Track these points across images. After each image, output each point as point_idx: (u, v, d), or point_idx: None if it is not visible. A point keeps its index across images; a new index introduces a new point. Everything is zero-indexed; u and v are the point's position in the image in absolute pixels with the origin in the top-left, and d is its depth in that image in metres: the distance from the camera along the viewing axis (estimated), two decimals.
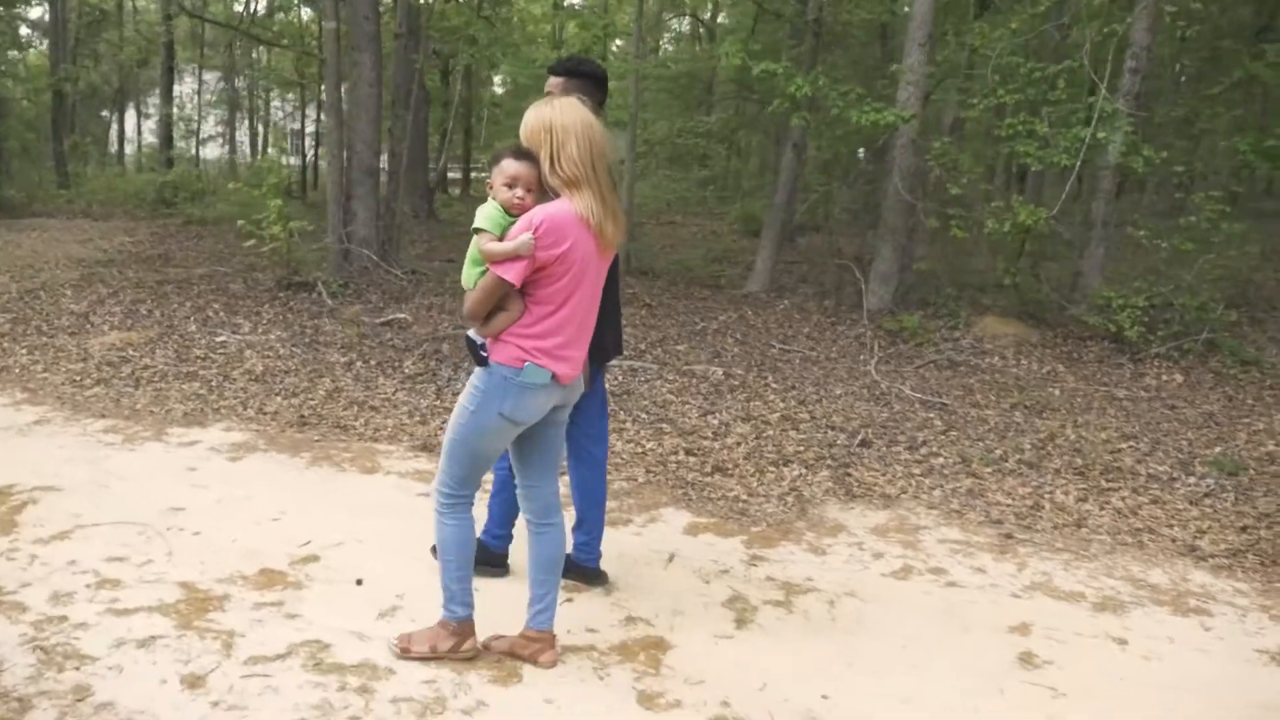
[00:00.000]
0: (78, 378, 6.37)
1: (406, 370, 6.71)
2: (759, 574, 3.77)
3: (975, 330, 7.68)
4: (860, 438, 5.45)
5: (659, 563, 3.85)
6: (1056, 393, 6.45)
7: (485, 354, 2.70)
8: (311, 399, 6.06)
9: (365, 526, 4.02)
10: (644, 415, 5.82)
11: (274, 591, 3.42)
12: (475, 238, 2.65)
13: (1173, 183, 8.03)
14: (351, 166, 9.16)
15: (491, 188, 2.70)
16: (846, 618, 3.43)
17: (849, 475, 4.96)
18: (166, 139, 18.54)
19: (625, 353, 7.12)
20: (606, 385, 6.44)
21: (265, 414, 5.77)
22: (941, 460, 5.22)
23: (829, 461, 5.13)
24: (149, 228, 14.63)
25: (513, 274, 2.59)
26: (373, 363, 6.85)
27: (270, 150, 24.67)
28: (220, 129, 21.69)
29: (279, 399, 6.06)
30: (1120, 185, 7.37)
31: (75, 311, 8.10)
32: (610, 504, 4.47)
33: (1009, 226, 6.92)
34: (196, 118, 21.10)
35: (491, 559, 3.60)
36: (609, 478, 4.25)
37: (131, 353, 6.97)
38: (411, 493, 4.53)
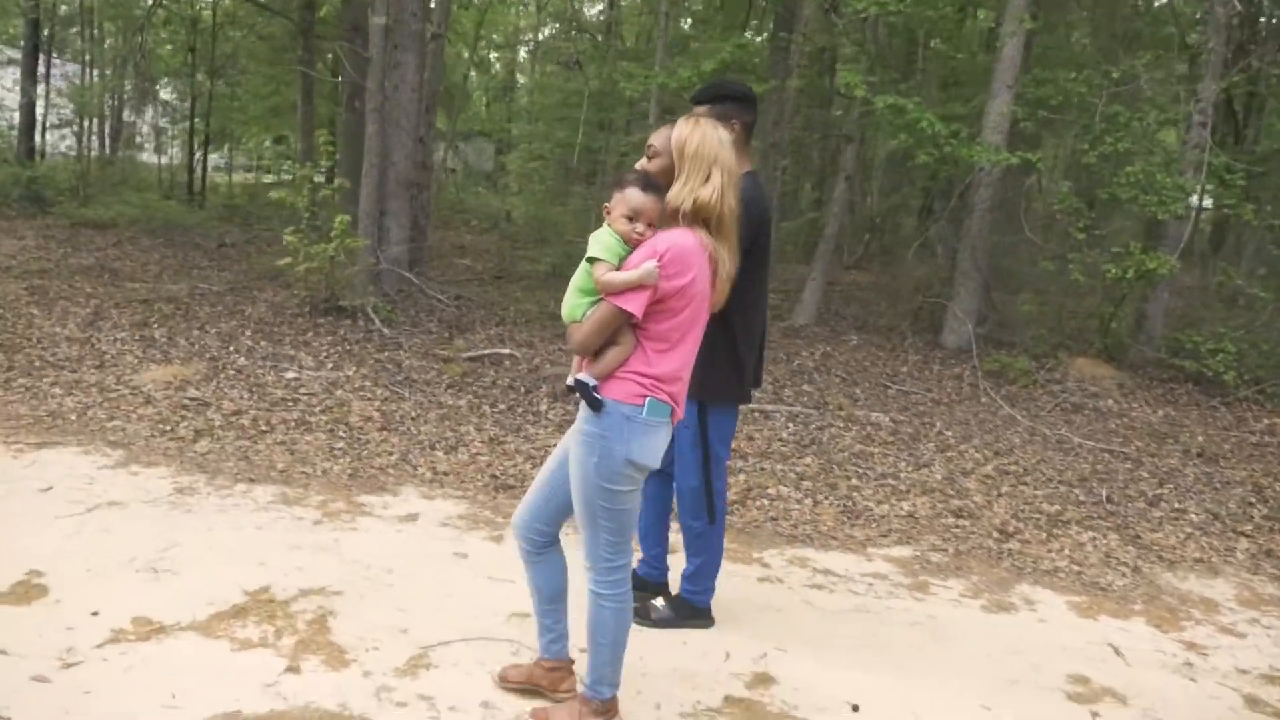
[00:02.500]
0: (165, 427, 5.16)
1: (549, 416, 5.91)
2: (1225, 665, 3.45)
3: (1072, 373, 7.74)
4: (1105, 494, 5.26)
5: (1106, 657, 3.44)
6: (1200, 439, 6.54)
7: (599, 395, 2.44)
8: (480, 454, 5.19)
9: (775, 629, 3.36)
10: (861, 471, 5.37)
11: None
12: (588, 266, 2.45)
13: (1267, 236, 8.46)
14: (387, 179, 8.10)
15: (609, 213, 2.48)
16: None
17: (1139, 539, 4.74)
18: (28, 127, 16.04)
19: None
20: (783, 431, 5.97)
21: (445, 474, 4.87)
22: (1194, 517, 5.11)
23: (1101, 523, 4.90)
24: (27, 229, 12.52)
25: (635, 305, 2.39)
26: (501, 407, 5.99)
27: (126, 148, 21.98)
28: (70, 119, 19.02)
29: (439, 454, 5.15)
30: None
31: (72, 338, 6.65)
32: (964, 582, 4.03)
33: (1131, 273, 7.00)
34: (74, 106, 18.39)
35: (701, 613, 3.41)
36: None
37: (195, 393, 5.76)
38: (796, 582, 3.87)
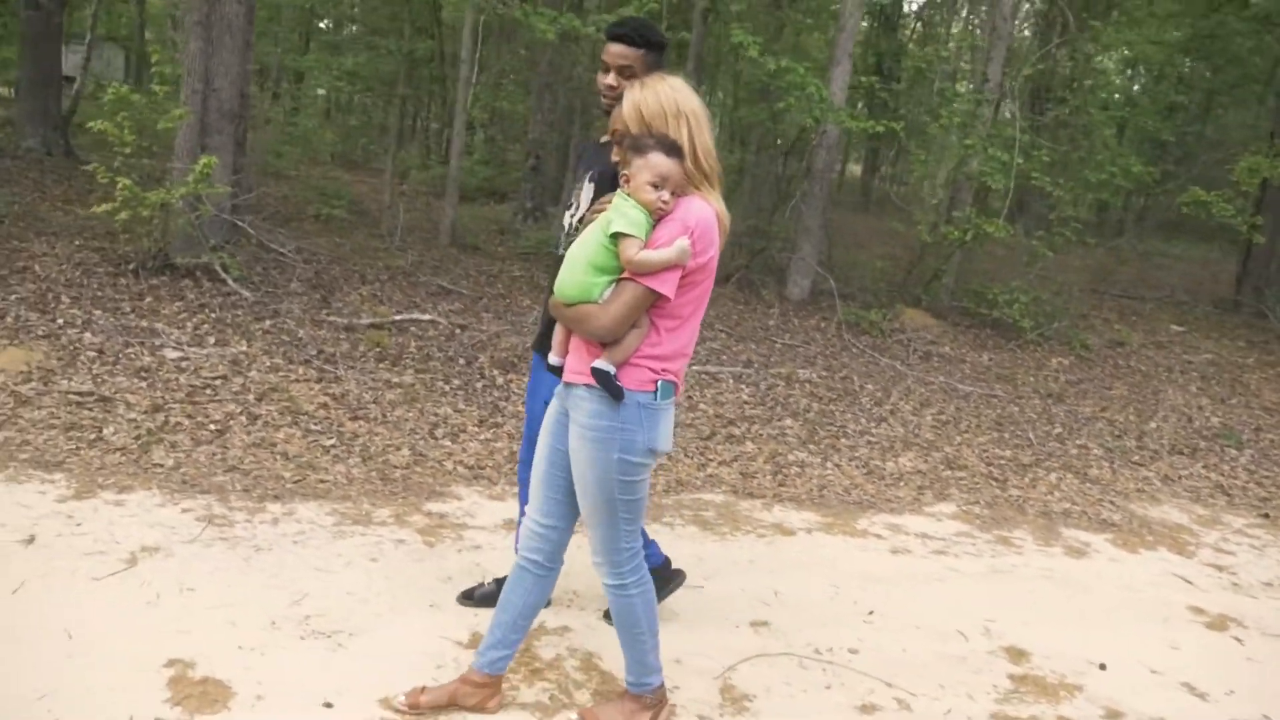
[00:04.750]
0: (78, 434, 4.00)
1: (513, 389, 5.42)
2: (1252, 580, 4.17)
3: (907, 323, 8.59)
4: (1031, 437, 5.99)
5: (1185, 587, 4.01)
6: (1032, 379, 7.65)
7: (619, 384, 2.28)
8: (493, 441, 4.67)
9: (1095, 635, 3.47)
10: (839, 429, 5.60)
11: None
12: (607, 242, 2.23)
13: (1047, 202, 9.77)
14: (209, 109, 6.71)
15: (628, 181, 2.26)
16: None
17: (1086, 475, 5.48)
18: None
19: None
20: (741, 393, 5.99)
21: (480, 469, 4.32)
22: (1097, 452, 6.00)
23: (1049, 463, 5.58)
24: None
25: (669, 286, 2.23)
26: (456, 382, 5.39)
27: None
28: None
29: (446, 443, 4.55)
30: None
31: None
32: (1023, 533, 4.42)
33: (970, 236, 7.91)
34: None
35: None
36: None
37: (69, 384, 4.50)
38: (922, 551, 3.93)
